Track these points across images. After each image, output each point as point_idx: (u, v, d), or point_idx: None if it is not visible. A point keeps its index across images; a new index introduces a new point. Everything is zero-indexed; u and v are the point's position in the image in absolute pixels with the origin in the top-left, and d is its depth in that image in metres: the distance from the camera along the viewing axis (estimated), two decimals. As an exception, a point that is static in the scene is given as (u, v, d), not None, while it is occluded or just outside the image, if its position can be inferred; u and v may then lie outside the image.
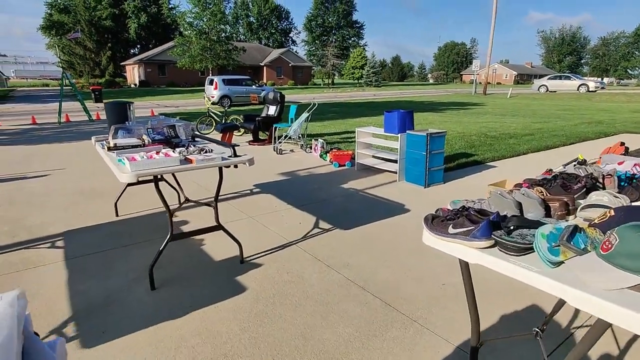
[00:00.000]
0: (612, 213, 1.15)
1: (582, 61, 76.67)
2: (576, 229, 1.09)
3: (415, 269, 2.85)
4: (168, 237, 2.62)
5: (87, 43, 41.04)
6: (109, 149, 2.96)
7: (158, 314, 2.32)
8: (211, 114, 9.76)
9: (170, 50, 36.58)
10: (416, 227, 3.66)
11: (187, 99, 23.61)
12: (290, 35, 65.36)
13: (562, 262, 1.06)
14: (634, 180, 1.67)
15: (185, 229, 3.64)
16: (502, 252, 1.14)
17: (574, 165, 4.38)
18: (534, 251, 1.11)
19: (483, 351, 1.95)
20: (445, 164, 5.52)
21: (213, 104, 17.80)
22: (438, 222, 1.28)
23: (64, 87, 13.30)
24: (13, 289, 0.79)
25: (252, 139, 8.44)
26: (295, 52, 56.14)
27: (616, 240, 0.97)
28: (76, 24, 41.72)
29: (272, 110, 8.56)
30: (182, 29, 34.65)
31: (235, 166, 2.74)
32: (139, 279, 2.72)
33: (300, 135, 7.55)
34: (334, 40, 57.33)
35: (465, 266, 1.42)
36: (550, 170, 4.24)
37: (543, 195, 1.44)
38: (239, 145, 8.06)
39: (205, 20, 33.57)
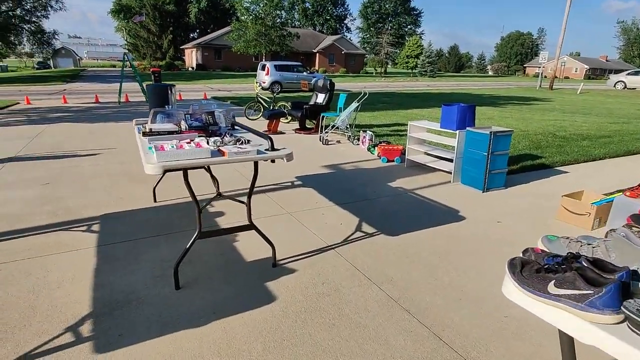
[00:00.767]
0: None
1: (668, 56, 68.58)
2: None
3: (471, 292, 2.44)
4: (196, 234, 2.41)
5: (151, 26, 42.88)
6: (144, 134, 2.79)
7: (178, 320, 2.12)
8: (260, 99, 9.63)
9: (226, 35, 37.28)
10: (472, 237, 3.21)
11: (240, 83, 23.94)
12: (345, 22, 64.25)
13: None
14: None
15: (220, 221, 3.45)
16: (636, 335, 0.75)
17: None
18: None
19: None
20: (507, 165, 4.93)
21: (264, 89, 17.83)
22: (531, 272, 0.90)
23: (126, 69, 13.84)
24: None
25: (298, 127, 8.19)
26: (349, 39, 55.16)
27: None
28: (142, 8, 43.68)
29: (320, 98, 8.24)
30: (239, 14, 35.08)
31: (272, 161, 2.46)
32: (164, 276, 2.54)
33: (348, 126, 7.19)
34: (389, 27, 55.50)
35: (568, 342, 1.01)
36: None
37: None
38: (284, 133, 7.88)
39: (261, 5, 33.72)
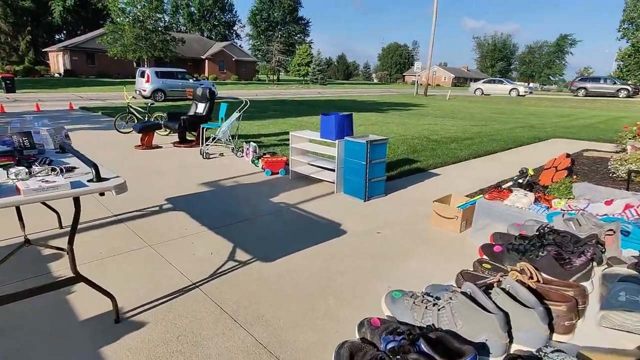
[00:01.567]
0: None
1: (512, 67, 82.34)
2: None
3: (349, 322, 2.25)
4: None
5: (1, 25, 36.49)
6: None
7: None
8: (131, 110, 8.59)
9: (100, 38, 33.45)
10: (352, 253, 3.08)
11: (117, 91, 21.53)
12: (235, 28, 63.17)
13: None
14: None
15: (55, 268, 2.75)
16: None
17: (520, 180, 3.99)
18: None
19: None
20: (387, 171, 5.04)
21: (145, 98, 16.24)
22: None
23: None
24: None
25: (178, 140, 7.46)
26: (240, 46, 54.32)
27: None
28: (-14, 3, 36.93)
29: (200, 107, 7.64)
30: (113, 16, 31.71)
31: (102, 194, 1.96)
32: (-53, 361, 1.85)
33: (230, 138, 6.74)
34: (279, 35, 56.05)
35: None
36: (499, 186, 3.85)
37: (534, 282, 0.87)
38: (161, 147, 7.02)
39: (139, 7, 31.02)
